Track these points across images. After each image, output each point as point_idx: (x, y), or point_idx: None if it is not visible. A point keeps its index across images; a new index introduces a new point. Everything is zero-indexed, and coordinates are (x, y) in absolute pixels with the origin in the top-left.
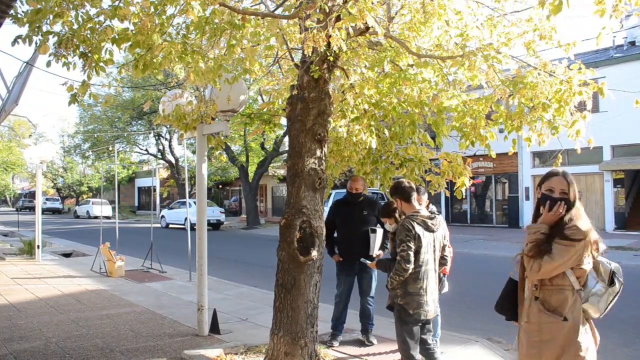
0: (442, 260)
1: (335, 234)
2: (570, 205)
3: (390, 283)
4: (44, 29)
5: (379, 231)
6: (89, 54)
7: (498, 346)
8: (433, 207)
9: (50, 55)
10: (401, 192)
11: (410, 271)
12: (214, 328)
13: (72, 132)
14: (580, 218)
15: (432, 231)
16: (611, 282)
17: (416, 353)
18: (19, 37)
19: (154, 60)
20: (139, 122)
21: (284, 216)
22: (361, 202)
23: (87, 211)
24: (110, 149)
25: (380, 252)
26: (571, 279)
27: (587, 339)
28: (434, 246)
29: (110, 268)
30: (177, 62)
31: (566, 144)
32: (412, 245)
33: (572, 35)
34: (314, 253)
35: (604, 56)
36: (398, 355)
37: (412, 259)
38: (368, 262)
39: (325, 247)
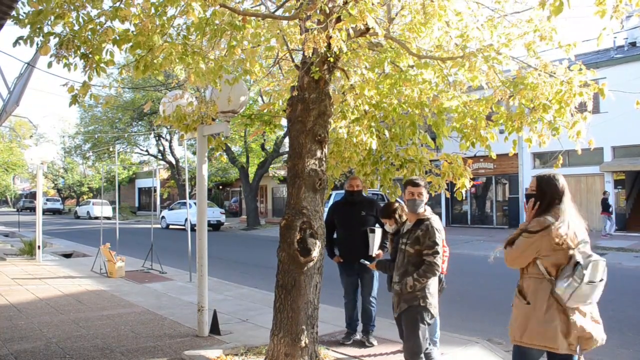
0: None
1: (335, 235)
2: (541, 203)
3: (412, 286)
4: (45, 30)
5: (378, 231)
6: (90, 55)
7: (499, 347)
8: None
9: (51, 56)
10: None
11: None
12: (214, 329)
13: (73, 133)
14: (560, 216)
15: None
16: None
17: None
18: (21, 38)
19: (155, 61)
20: (140, 123)
21: (284, 217)
22: (360, 202)
23: (88, 212)
24: (111, 149)
25: (380, 252)
26: (541, 269)
27: (553, 324)
28: None
29: (111, 269)
30: (178, 63)
31: (567, 144)
32: (441, 245)
33: (573, 36)
34: (314, 254)
35: (604, 57)
36: (399, 356)
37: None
38: (367, 262)
39: (325, 248)
